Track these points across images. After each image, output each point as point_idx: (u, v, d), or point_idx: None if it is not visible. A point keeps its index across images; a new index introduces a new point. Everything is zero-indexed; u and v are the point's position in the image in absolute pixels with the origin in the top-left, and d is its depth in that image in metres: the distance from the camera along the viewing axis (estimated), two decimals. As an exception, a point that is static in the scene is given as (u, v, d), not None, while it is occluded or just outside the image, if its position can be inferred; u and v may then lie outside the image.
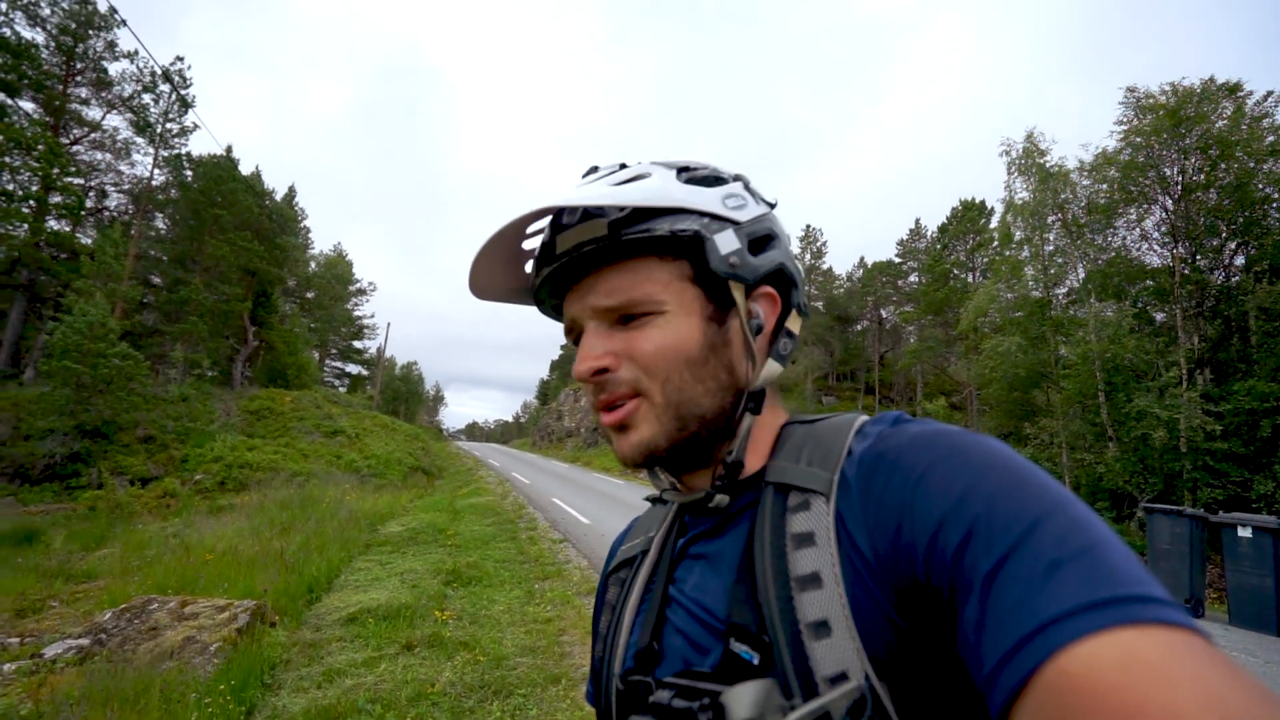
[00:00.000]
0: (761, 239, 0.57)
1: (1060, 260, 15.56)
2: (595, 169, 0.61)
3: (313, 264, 43.45)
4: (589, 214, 0.53)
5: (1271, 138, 11.89)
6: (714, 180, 0.58)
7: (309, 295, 42.57)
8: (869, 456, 0.50)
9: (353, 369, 50.65)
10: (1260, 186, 12.11)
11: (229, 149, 24.77)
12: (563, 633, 4.99)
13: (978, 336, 19.55)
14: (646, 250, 0.54)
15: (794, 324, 0.60)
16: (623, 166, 0.59)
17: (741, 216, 0.56)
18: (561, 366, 78.12)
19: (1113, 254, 14.60)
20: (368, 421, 25.77)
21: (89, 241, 20.80)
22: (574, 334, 0.59)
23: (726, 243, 0.54)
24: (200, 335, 21.84)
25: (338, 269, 45.65)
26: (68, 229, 20.76)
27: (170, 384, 18.94)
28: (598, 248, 0.53)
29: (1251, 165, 12.05)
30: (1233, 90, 12.35)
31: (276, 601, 5.32)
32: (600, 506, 13.57)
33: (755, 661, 0.47)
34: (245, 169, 26.61)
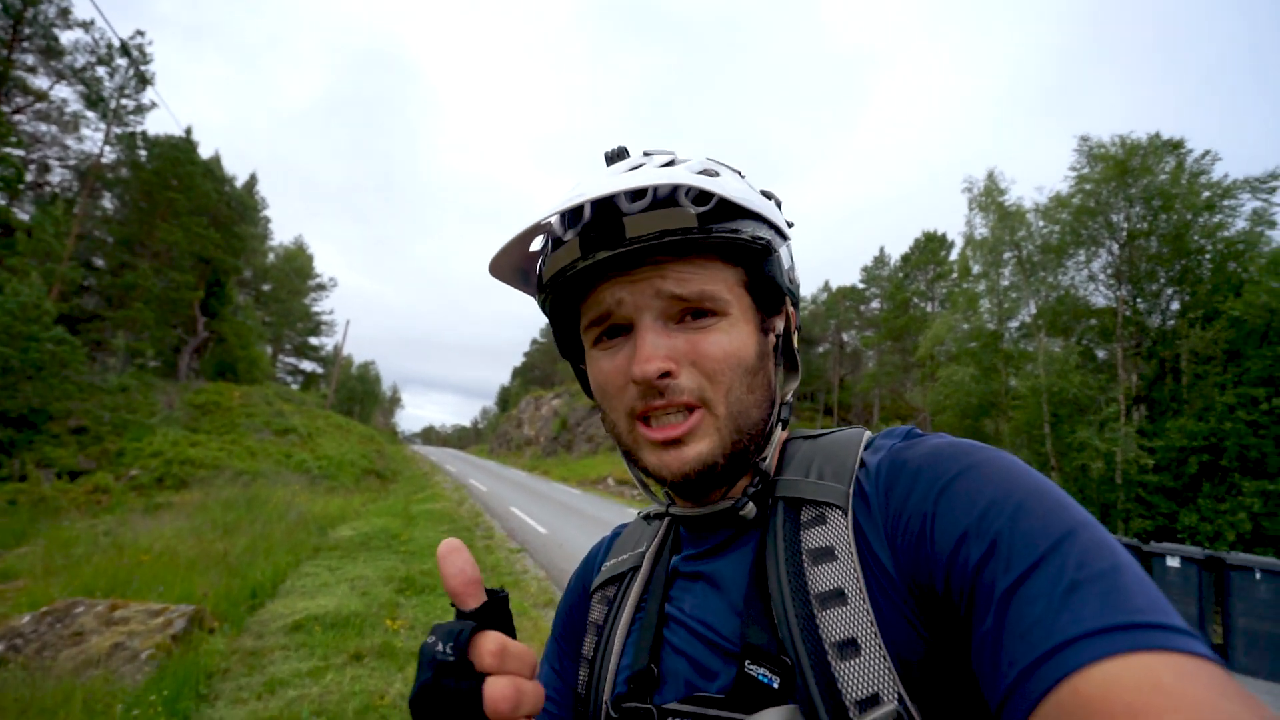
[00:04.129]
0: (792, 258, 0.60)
1: (1014, 295, 16.28)
2: (625, 152, 0.56)
3: (271, 255, 42.00)
4: (661, 201, 0.49)
5: (1207, 193, 12.75)
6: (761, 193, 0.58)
7: (265, 288, 41.11)
8: (888, 467, 0.49)
9: (307, 366, 48.96)
10: (1195, 238, 12.95)
11: (189, 131, 23.82)
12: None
13: (934, 364, 20.24)
14: (716, 251, 0.51)
15: (796, 341, 0.62)
16: (671, 159, 0.54)
17: (788, 233, 0.57)
18: (523, 374, 77.22)
19: (1062, 292, 15.36)
20: (321, 421, 24.95)
21: (26, 217, 19.63)
22: (605, 323, 0.53)
23: (786, 257, 0.56)
24: (145, 323, 20.79)
25: (297, 262, 44.24)
26: (3, 202, 19.57)
27: (109, 373, 17.94)
28: (681, 239, 0.49)
29: (1189, 217, 12.89)
30: (1175, 147, 13.22)
31: (216, 606, 5.07)
32: (558, 516, 13.42)
33: (775, 685, 0.44)
34: (205, 153, 25.61)
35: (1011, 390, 15.14)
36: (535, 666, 0.42)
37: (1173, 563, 6.76)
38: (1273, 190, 12.28)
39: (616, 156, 0.56)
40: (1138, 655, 0.31)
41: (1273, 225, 12.30)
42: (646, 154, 0.56)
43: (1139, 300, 14.22)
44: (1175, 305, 13.88)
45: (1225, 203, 12.69)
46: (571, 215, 0.52)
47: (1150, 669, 0.30)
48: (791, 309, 0.59)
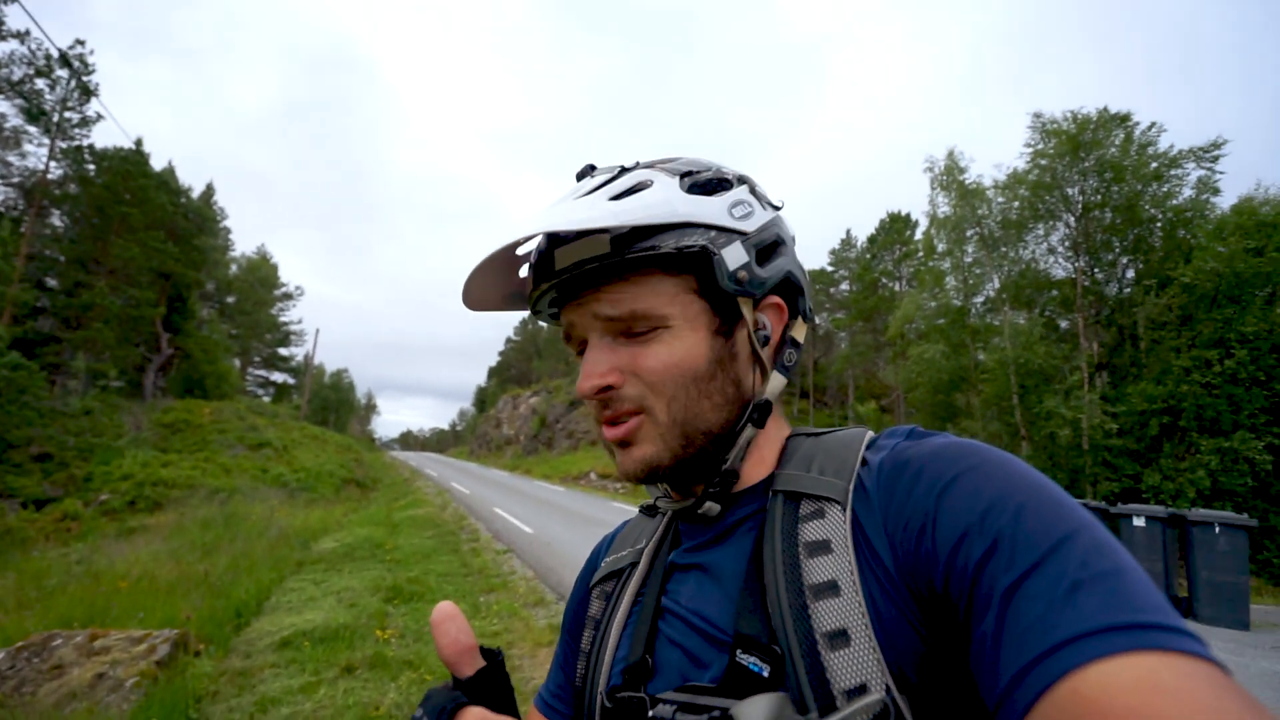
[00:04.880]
0: (769, 247, 0.56)
1: (978, 271, 16.70)
2: (592, 168, 0.58)
3: (234, 267, 40.97)
4: (586, 231, 0.51)
5: (1155, 164, 13.21)
6: (718, 185, 0.56)
7: (229, 300, 40.09)
8: (890, 465, 0.49)
9: (278, 377, 47.93)
10: (1146, 208, 13.42)
11: (139, 142, 23.03)
12: (511, 646, 4.93)
13: (904, 343, 20.65)
14: (651, 265, 0.52)
15: (799, 332, 0.60)
16: (623, 171, 0.56)
17: (748, 226, 0.55)
18: (500, 373, 76.66)
19: (1023, 266, 15.80)
20: (296, 433, 24.52)
21: (-29, 239, 18.81)
22: (574, 341, 0.57)
23: (734, 257, 0.52)
24: (106, 343, 20.15)
25: (261, 272, 43.22)
26: (-55, 225, 18.73)
27: (70, 396, 17.37)
28: (600, 265, 0.51)
29: (1139, 188, 13.35)
30: (1123, 120, 13.66)
31: (201, 629, 4.99)
32: (543, 515, 13.42)
33: (765, 674, 0.45)
34: (157, 164, 24.86)
35: (980, 364, 15.55)
36: None
37: (1139, 522, 7.05)
38: (1216, 159, 12.77)
39: (583, 175, 0.58)
40: (1139, 655, 0.31)
41: (1217, 192, 12.80)
42: (594, 171, 0.58)
43: (1096, 270, 14.70)
44: (1130, 274, 14.39)
45: (1172, 172, 13.17)
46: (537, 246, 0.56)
47: (1151, 669, 0.30)
48: (777, 299, 0.57)
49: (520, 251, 0.58)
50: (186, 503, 13.22)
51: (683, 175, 0.55)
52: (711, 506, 0.56)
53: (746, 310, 0.55)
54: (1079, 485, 12.35)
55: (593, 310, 0.53)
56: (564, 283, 0.53)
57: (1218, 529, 6.45)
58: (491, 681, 0.45)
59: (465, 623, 0.46)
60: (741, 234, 0.54)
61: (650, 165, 0.57)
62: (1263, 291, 11.38)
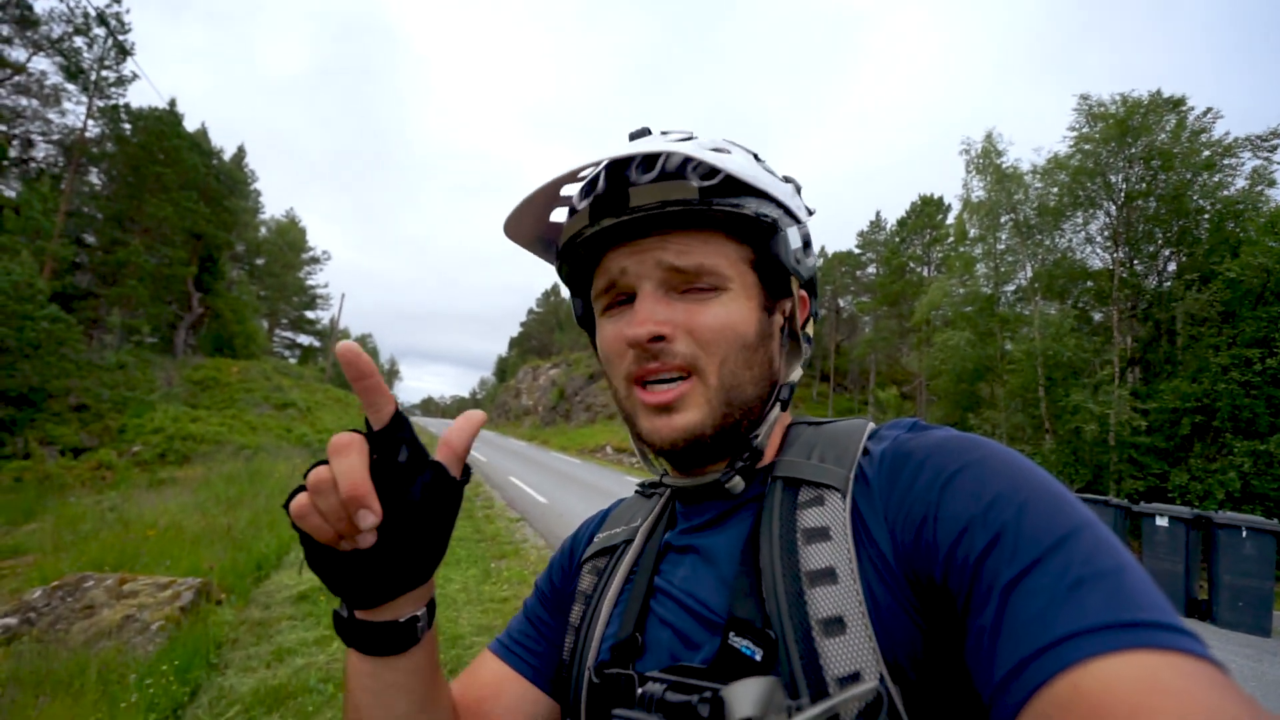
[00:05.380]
0: (808, 243, 0.59)
1: (1010, 259, 16.22)
2: (648, 131, 0.58)
3: (263, 229, 41.57)
4: (669, 173, 0.51)
5: (1207, 152, 12.58)
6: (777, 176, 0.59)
7: (259, 262, 40.79)
8: (892, 455, 0.49)
9: (304, 340, 48.92)
10: (1194, 198, 12.83)
11: (172, 103, 23.31)
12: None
13: (930, 329, 20.27)
14: (721, 226, 0.53)
15: (811, 330, 0.62)
16: (688, 137, 0.56)
17: (801, 216, 0.58)
18: (521, 344, 77.21)
19: (1059, 255, 15.30)
20: (320, 394, 25.07)
21: (13, 194, 19.33)
22: (612, 292, 0.56)
23: (794, 238, 0.55)
24: (140, 300, 20.69)
25: (290, 235, 43.82)
26: (-11, 179, 19.25)
27: (106, 350, 17.93)
28: (682, 210, 0.50)
29: (1188, 177, 12.75)
30: (1176, 104, 12.99)
31: (223, 579, 5.18)
32: (557, 485, 13.60)
33: (757, 658, 0.45)
34: (190, 125, 25.15)
35: (1007, 354, 15.21)
36: (360, 498, 0.42)
37: (1161, 522, 6.89)
38: (1274, 148, 12.12)
39: (639, 135, 0.58)
40: (1140, 653, 0.31)
41: (1272, 184, 12.19)
42: (664, 133, 0.58)
43: (1136, 262, 14.17)
44: (1172, 267, 13.85)
45: (1225, 161, 12.54)
46: (588, 185, 0.55)
47: (1152, 668, 0.30)
48: (804, 293, 0.59)
49: (566, 190, 0.57)
50: (213, 457, 13.66)
51: (754, 155, 0.58)
52: (738, 482, 0.55)
53: (796, 290, 0.58)
54: (1103, 482, 12.10)
55: (656, 257, 0.52)
56: (626, 223, 0.52)
57: (1244, 533, 6.28)
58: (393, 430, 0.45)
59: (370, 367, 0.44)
60: (798, 220, 0.57)
61: (724, 139, 0.59)
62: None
